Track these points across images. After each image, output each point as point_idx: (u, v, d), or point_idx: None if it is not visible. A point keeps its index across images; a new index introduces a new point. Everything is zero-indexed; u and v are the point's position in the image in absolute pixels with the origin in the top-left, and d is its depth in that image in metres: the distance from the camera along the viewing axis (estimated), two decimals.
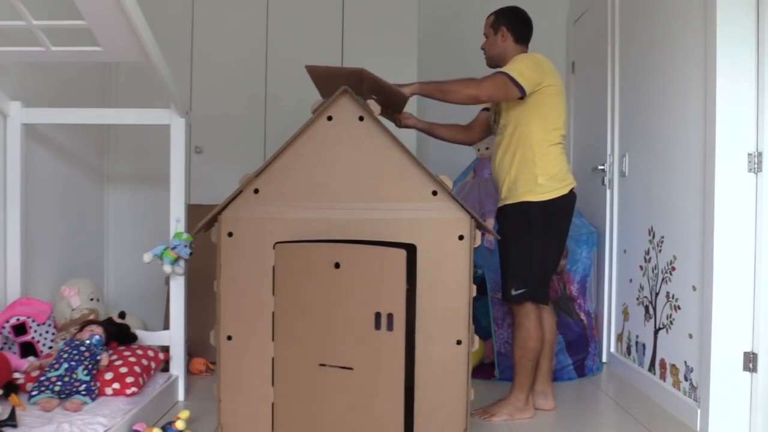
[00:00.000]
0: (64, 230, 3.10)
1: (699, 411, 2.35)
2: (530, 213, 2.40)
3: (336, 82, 2.03)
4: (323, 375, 1.92)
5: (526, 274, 2.43)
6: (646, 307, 2.90)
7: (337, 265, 1.89)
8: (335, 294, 1.90)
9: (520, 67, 2.36)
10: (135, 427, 2.03)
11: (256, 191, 2.00)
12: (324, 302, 1.91)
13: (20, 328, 2.33)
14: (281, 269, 1.97)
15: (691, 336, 2.47)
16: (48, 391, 2.02)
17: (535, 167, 2.40)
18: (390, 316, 1.84)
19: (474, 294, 1.97)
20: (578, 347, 3.08)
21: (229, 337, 2.01)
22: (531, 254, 2.42)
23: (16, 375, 2.18)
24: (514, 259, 2.43)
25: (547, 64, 2.43)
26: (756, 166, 2.24)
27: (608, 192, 3.37)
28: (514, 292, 2.43)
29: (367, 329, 1.86)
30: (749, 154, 2.25)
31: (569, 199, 2.47)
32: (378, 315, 1.85)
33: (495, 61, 2.55)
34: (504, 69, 2.37)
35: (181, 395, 2.61)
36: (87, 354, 2.14)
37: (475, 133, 2.75)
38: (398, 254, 1.85)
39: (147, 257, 2.47)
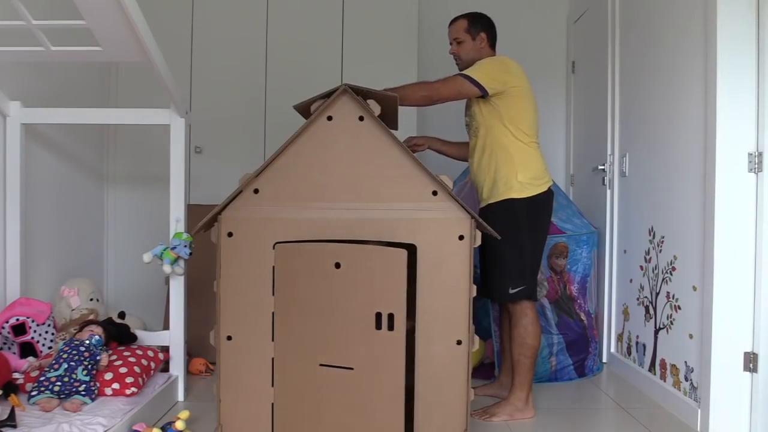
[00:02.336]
0: (64, 230, 3.10)
1: (699, 411, 2.35)
2: (517, 210, 2.44)
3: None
4: (323, 375, 1.92)
5: (523, 272, 2.46)
6: (647, 307, 2.89)
7: (337, 265, 1.89)
8: (336, 294, 1.91)
9: (481, 68, 2.43)
10: (135, 428, 2.03)
11: (256, 191, 2.00)
12: (324, 302, 1.92)
13: (20, 328, 2.33)
14: (281, 269, 1.97)
15: (691, 336, 2.47)
16: (47, 392, 2.02)
17: (514, 165, 2.45)
18: (390, 316, 1.84)
19: (474, 294, 1.97)
20: (578, 347, 3.08)
21: (229, 338, 2.01)
22: (524, 252, 2.46)
23: (16, 375, 2.17)
24: (509, 258, 2.44)
25: (513, 65, 2.49)
26: (756, 166, 2.24)
27: (608, 192, 3.37)
28: (512, 291, 2.44)
29: (367, 329, 1.87)
30: (749, 154, 2.25)
31: (548, 196, 2.53)
32: (379, 315, 1.86)
33: (470, 66, 2.54)
34: (463, 71, 2.46)
35: (180, 395, 2.61)
36: (86, 354, 2.14)
37: None
38: (399, 254, 1.85)
39: (147, 257, 2.46)
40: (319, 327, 1.93)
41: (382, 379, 1.88)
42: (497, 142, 2.47)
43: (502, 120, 2.46)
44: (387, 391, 1.87)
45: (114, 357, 2.28)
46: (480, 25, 2.60)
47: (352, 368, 1.89)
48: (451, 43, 2.65)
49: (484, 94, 2.42)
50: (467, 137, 2.87)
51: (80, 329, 2.32)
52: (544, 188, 2.50)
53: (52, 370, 2.07)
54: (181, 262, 2.50)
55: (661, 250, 2.75)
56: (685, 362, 2.51)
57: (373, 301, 1.87)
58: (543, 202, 2.51)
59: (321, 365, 1.92)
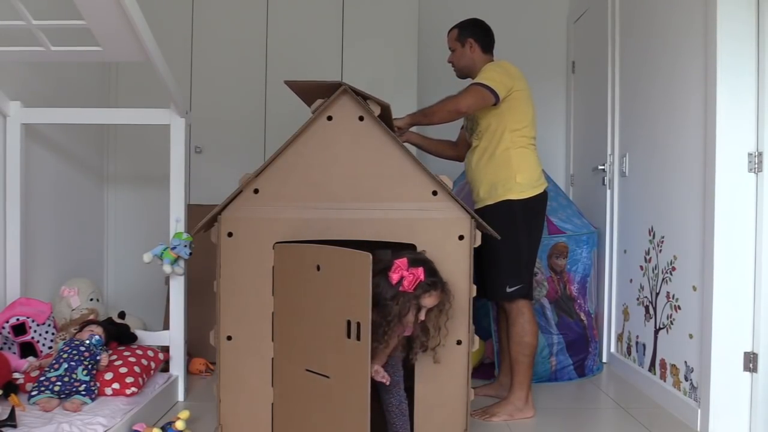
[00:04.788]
0: (64, 230, 3.10)
1: (699, 411, 2.35)
2: (515, 211, 2.47)
3: (317, 95, 2.03)
4: (308, 380, 1.88)
5: (520, 271, 2.48)
6: (647, 307, 2.89)
7: (318, 268, 1.84)
8: (317, 298, 1.85)
9: (491, 75, 2.46)
10: (135, 427, 2.03)
11: (256, 191, 2.00)
12: (308, 306, 1.88)
13: (20, 328, 2.33)
14: (279, 270, 1.97)
15: (691, 336, 2.47)
16: (48, 391, 2.01)
17: (513, 167, 2.48)
18: (358, 325, 1.73)
19: (474, 294, 1.98)
20: (578, 347, 3.08)
21: (229, 338, 2.01)
22: (521, 251, 2.48)
23: (16, 375, 2.17)
24: (505, 258, 2.46)
25: (515, 69, 2.53)
26: (756, 166, 2.24)
27: (608, 192, 3.37)
28: (509, 289, 2.46)
29: (341, 337, 1.77)
30: (749, 154, 2.25)
31: (544, 197, 2.58)
32: (349, 323, 1.76)
33: (465, 72, 2.66)
34: (476, 80, 2.47)
35: (180, 395, 2.61)
36: (87, 354, 2.14)
37: (461, 148, 2.84)
38: (363, 258, 1.71)
39: (147, 257, 2.47)
40: (305, 331, 1.89)
41: (351, 391, 1.77)
42: (499, 145, 2.50)
43: (505, 123, 2.49)
44: (355, 404, 1.75)
45: (114, 357, 2.28)
46: (468, 31, 2.64)
47: (328, 376, 1.82)
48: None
49: (496, 101, 2.45)
50: (451, 137, 2.90)
51: (80, 329, 2.32)
52: (540, 190, 2.54)
53: (52, 370, 2.07)
54: (181, 262, 2.50)
55: (661, 250, 2.75)
56: (685, 362, 2.51)
57: (344, 307, 1.77)
58: (539, 204, 2.55)
59: (306, 370, 1.88)
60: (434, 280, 1.87)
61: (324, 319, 1.82)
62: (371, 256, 1.71)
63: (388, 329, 1.82)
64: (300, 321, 1.90)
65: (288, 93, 3.38)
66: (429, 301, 1.87)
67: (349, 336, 1.74)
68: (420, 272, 1.82)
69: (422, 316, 1.88)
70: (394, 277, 1.81)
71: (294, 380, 1.93)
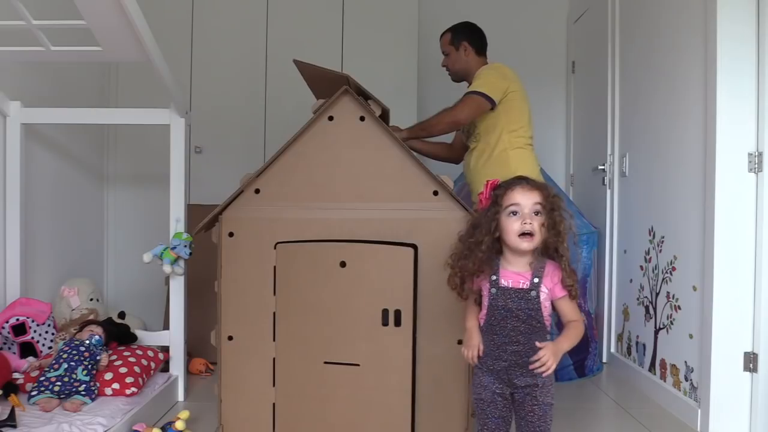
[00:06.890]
0: (64, 230, 3.10)
1: (699, 411, 2.35)
2: None
3: (322, 83, 2.04)
4: (328, 372, 1.94)
5: None
6: (647, 307, 2.89)
7: (342, 264, 1.91)
8: (341, 292, 1.93)
9: (485, 81, 2.49)
10: (135, 428, 2.03)
11: (257, 191, 2.00)
12: (329, 300, 1.93)
13: (20, 328, 2.33)
14: (283, 269, 1.97)
15: (691, 336, 2.47)
16: (47, 392, 2.01)
17: (511, 167, 2.49)
18: (397, 313, 1.88)
19: None
20: (578, 347, 3.05)
21: (230, 338, 2.01)
22: None
23: (16, 375, 2.17)
24: None
25: (509, 71, 2.55)
26: (756, 166, 2.24)
27: (608, 192, 3.37)
28: None
29: (374, 326, 1.90)
30: (749, 154, 2.25)
31: None
32: (385, 311, 1.89)
33: (460, 76, 2.68)
34: (471, 89, 2.50)
35: (180, 395, 2.61)
36: (86, 354, 2.14)
37: (456, 150, 2.86)
38: (406, 252, 1.90)
39: (147, 257, 2.46)
40: (323, 325, 1.94)
41: (390, 374, 1.91)
42: (497, 146, 2.53)
43: (501, 124, 2.51)
44: (394, 386, 1.91)
45: (114, 357, 2.28)
46: (461, 34, 2.65)
47: (358, 364, 1.92)
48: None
49: (492, 106, 2.48)
50: (446, 138, 2.88)
51: (80, 329, 2.32)
52: None
53: (52, 370, 2.07)
54: (181, 262, 2.50)
55: (661, 250, 2.75)
56: (685, 362, 2.51)
57: (379, 298, 1.90)
58: None
59: (326, 363, 1.94)
60: (519, 177, 1.56)
61: (352, 311, 1.92)
62: (413, 250, 1.88)
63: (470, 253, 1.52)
64: (317, 316, 1.94)
65: (288, 93, 3.38)
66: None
67: (384, 324, 1.87)
68: (495, 181, 1.55)
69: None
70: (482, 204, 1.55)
71: (307, 375, 1.96)
